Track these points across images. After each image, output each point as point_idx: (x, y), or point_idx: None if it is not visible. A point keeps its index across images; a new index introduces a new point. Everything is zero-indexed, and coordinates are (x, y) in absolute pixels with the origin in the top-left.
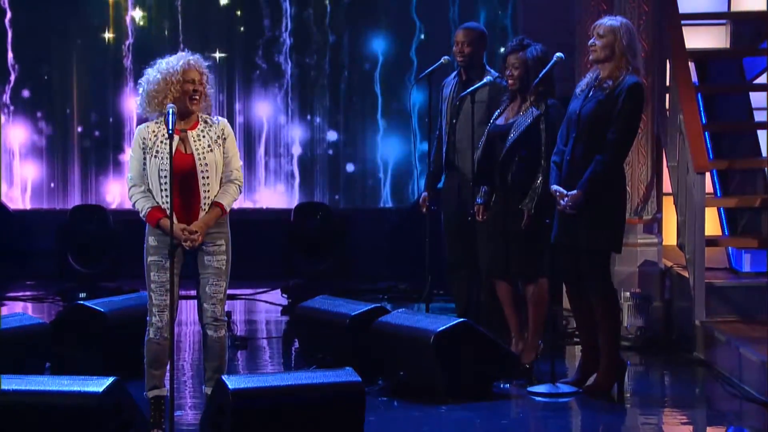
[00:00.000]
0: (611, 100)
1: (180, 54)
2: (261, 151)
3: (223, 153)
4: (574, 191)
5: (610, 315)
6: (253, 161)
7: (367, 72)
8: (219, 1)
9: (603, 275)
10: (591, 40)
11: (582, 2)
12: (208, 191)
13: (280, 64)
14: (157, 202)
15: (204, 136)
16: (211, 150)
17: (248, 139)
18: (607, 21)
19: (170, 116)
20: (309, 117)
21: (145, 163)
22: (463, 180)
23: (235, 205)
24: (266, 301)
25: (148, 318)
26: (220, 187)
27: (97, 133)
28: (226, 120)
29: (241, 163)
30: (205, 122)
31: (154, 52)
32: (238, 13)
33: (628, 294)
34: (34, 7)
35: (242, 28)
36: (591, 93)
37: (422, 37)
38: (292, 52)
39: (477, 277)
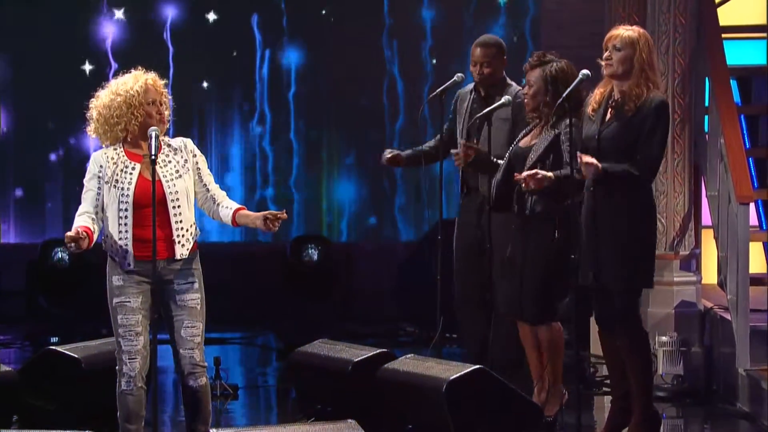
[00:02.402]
0: (636, 122)
1: (134, 73)
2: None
3: (200, 174)
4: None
5: (642, 361)
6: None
7: None
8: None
9: (632, 317)
10: (606, 53)
11: (612, 13)
12: (181, 221)
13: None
14: (108, 232)
15: (170, 161)
16: (180, 176)
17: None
18: (624, 32)
19: (153, 140)
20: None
21: (99, 194)
22: (483, 203)
23: (224, 238)
24: (259, 345)
25: (117, 368)
26: (191, 212)
27: (71, 156)
28: (188, 139)
29: None
30: (169, 146)
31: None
32: None
33: (663, 338)
34: None
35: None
36: (609, 114)
37: (434, 56)
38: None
39: (489, 315)
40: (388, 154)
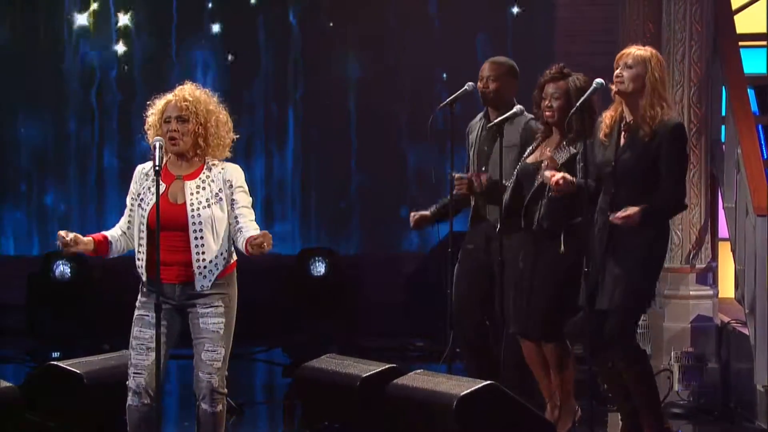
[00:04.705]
0: (653, 147)
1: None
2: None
3: (233, 206)
4: (634, 208)
5: (644, 380)
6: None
7: None
8: None
9: (631, 336)
10: (617, 71)
11: (626, 22)
12: (203, 252)
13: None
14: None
15: (204, 188)
16: (209, 205)
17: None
18: (636, 50)
19: (157, 151)
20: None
21: (132, 212)
22: (491, 232)
23: None
24: (265, 361)
25: (127, 382)
26: (219, 243)
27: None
28: (235, 166)
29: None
30: (210, 170)
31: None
32: None
33: (679, 354)
34: None
35: None
36: (623, 139)
37: (444, 75)
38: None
39: (487, 334)
40: (414, 216)
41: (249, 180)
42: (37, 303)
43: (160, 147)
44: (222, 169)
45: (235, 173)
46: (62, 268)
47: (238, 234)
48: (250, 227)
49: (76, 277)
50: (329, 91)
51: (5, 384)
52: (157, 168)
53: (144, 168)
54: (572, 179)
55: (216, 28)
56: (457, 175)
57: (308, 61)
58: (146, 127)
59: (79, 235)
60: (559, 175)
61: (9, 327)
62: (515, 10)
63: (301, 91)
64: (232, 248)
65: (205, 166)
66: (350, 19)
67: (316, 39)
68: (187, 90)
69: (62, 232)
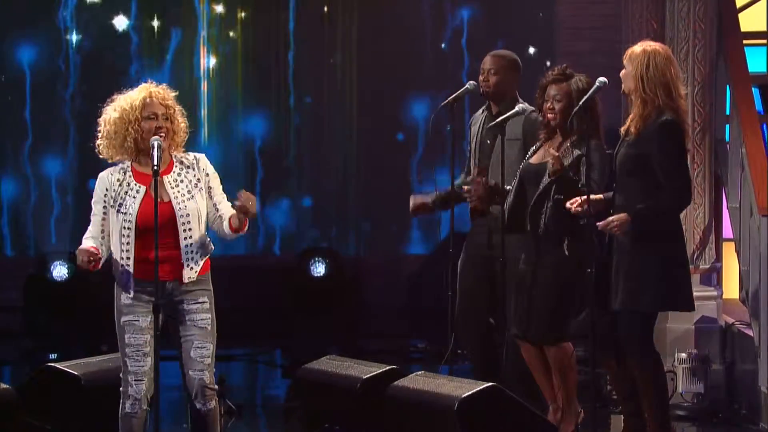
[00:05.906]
0: (642, 144)
1: (142, 86)
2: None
3: (211, 194)
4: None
5: (656, 382)
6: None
7: None
8: None
9: (645, 337)
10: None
11: (629, 20)
12: (191, 244)
13: None
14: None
15: (182, 180)
16: (192, 197)
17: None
18: (634, 48)
19: (155, 150)
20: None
21: (104, 218)
22: (494, 226)
23: (228, 251)
24: (264, 363)
25: (122, 389)
26: (202, 233)
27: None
28: (202, 155)
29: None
30: (182, 162)
31: None
32: None
33: (683, 355)
34: None
35: None
36: (626, 135)
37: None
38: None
39: (492, 336)
40: (414, 201)
41: (249, 181)
42: (34, 304)
43: (159, 146)
44: (194, 158)
45: (207, 161)
46: (60, 269)
47: (220, 221)
48: (231, 212)
49: (73, 278)
50: (330, 90)
51: (2, 385)
52: (155, 168)
53: (112, 175)
54: (600, 197)
55: None
56: (465, 188)
57: (308, 59)
58: (105, 119)
59: (91, 250)
60: (580, 200)
61: (7, 328)
62: (532, 50)
63: (301, 90)
64: (209, 238)
65: (174, 160)
66: (352, 14)
67: (317, 32)
68: (162, 91)
69: (83, 259)
